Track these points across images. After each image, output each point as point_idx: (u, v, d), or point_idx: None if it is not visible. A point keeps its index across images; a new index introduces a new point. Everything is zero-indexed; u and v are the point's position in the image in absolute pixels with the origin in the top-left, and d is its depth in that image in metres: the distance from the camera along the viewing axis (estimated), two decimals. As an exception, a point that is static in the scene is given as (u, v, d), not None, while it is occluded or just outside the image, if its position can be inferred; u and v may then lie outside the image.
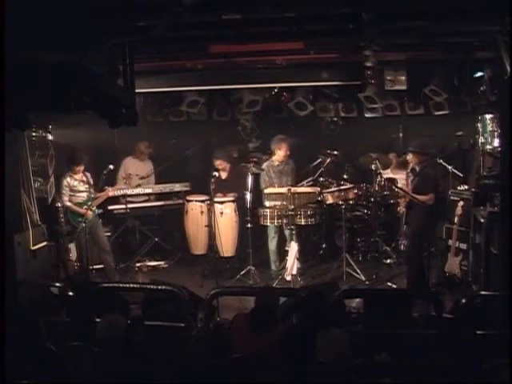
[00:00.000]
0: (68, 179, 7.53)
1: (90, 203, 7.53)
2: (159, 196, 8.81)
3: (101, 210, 8.06)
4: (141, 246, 8.73)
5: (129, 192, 8.43)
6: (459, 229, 7.05)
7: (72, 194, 7.53)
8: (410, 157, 6.94)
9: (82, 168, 7.57)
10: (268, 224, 7.76)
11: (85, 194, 7.60)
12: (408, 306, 5.27)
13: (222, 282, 7.37)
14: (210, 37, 6.20)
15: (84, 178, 7.61)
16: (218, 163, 8.25)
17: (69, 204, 7.50)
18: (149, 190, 8.66)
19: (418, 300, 5.76)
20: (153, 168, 8.89)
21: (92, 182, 7.72)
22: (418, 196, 6.68)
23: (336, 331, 3.78)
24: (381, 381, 3.57)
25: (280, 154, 7.95)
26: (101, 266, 7.83)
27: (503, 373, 3.39)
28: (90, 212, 7.48)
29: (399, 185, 7.46)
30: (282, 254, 7.82)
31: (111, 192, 8.04)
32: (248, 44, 6.55)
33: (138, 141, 8.74)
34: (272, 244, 7.95)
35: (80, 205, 7.52)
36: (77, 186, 7.56)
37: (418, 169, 6.88)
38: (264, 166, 8.11)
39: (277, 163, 8.03)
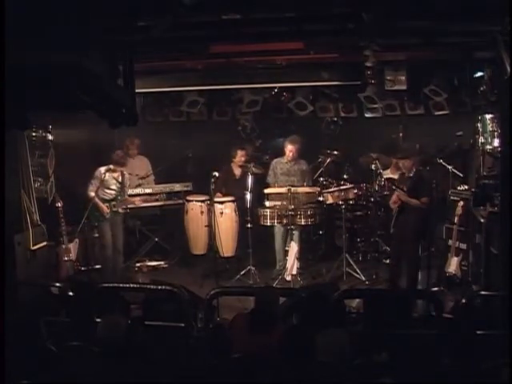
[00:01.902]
0: (102, 171, 7.47)
1: (113, 203, 7.55)
2: (159, 196, 8.79)
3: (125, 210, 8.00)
4: (141, 246, 8.74)
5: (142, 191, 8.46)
6: (459, 229, 7.05)
7: (101, 188, 7.49)
8: (401, 162, 6.97)
9: (123, 168, 7.60)
10: (268, 224, 7.77)
11: (113, 193, 7.58)
12: (408, 306, 5.27)
13: (222, 282, 7.37)
14: (210, 37, 6.20)
15: (120, 178, 7.61)
16: (238, 159, 8.25)
17: (92, 194, 7.42)
18: (149, 190, 8.64)
19: (418, 300, 5.77)
20: (148, 163, 8.86)
21: (128, 184, 7.78)
22: (412, 200, 6.70)
23: (336, 331, 3.78)
24: (381, 381, 3.57)
25: (287, 152, 7.95)
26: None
27: (503, 373, 3.39)
28: (108, 210, 7.51)
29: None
30: (284, 253, 7.81)
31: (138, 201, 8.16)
32: (248, 44, 6.55)
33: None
34: (278, 243, 7.94)
35: (104, 201, 7.52)
36: (108, 182, 7.54)
37: (408, 173, 6.87)
38: (273, 162, 8.13)
39: (285, 161, 8.03)
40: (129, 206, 8.27)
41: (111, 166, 7.49)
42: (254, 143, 9.40)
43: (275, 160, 8.16)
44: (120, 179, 7.61)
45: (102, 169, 7.48)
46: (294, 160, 7.98)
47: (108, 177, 7.49)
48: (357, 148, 8.88)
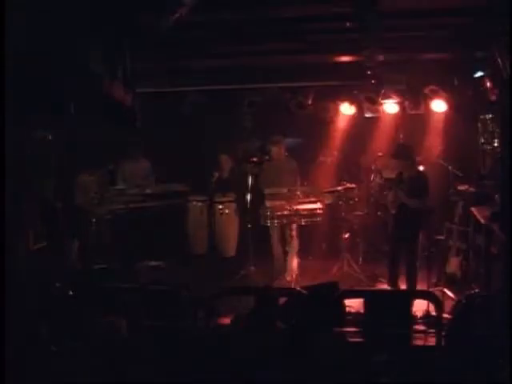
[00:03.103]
0: (83, 179, 7.58)
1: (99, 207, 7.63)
2: (160, 196, 8.77)
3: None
4: (141, 246, 8.72)
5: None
6: (459, 229, 7.05)
7: (83, 194, 7.57)
8: (401, 162, 6.96)
9: (102, 170, 7.67)
10: (268, 224, 7.77)
11: (96, 197, 7.66)
12: (408, 306, 5.27)
13: (222, 282, 7.37)
14: (209, 36, 6.22)
15: (101, 180, 7.71)
16: (224, 159, 8.27)
17: (80, 202, 7.55)
18: (149, 191, 8.62)
19: (418, 300, 5.77)
20: (150, 166, 8.85)
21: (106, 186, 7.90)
22: (411, 200, 6.69)
23: (336, 331, 3.79)
24: (381, 381, 3.58)
25: (274, 154, 7.96)
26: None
27: (503, 373, 3.39)
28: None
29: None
30: (284, 253, 7.81)
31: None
32: (248, 44, 6.57)
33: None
34: (276, 243, 7.94)
35: (92, 207, 7.61)
36: (91, 186, 7.61)
37: (408, 173, 6.86)
38: (263, 165, 8.14)
39: (274, 163, 8.04)
40: (130, 206, 8.27)
41: (89, 172, 7.59)
42: (255, 143, 9.39)
43: (266, 163, 8.16)
44: (100, 183, 7.72)
45: (83, 176, 7.57)
46: (281, 160, 7.97)
47: (90, 182, 7.56)
48: (357, 148, 8.89)
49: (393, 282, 6.96)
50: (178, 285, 5.55)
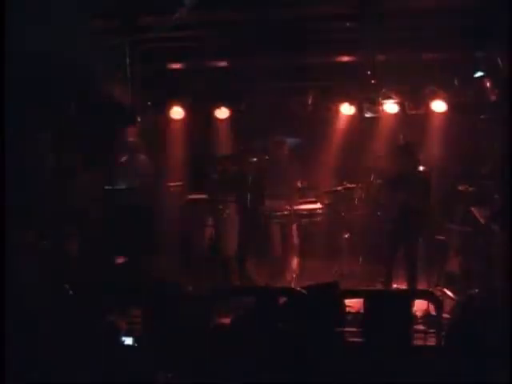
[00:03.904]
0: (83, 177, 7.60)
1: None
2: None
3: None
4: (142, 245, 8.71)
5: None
6: (459, 229, 7.05)
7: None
8: (401, 162, 6.95)
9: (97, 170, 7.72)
10: (267, 223, 7.77)
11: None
12: (408, 306, 5.27)
13: (223, 281, 7.37)
14: (210, 36, 6.23)
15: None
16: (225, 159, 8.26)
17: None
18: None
19: (418, 300, 5.77)
20: (150, 162, 8.83)
21: None
22: (412, 200, 6.69)
23: (336, 331, 3.79)
24: (380, 381, 3.58)
25: (275, 154, 7.96)
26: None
27: (503, 373, 3.39)
28: None
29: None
30: (284, 253, 7.82)
31: None
32: (248, 44, 6.58)
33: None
34: (277, 243, 7.93)
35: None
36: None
37: (408, 173, 6.86)
38: (264, 165, 8.13)
39: (274, 163, 8.03)
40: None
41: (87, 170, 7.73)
42: (255, 143, 9.39)
43: (266, 163, 8.15)
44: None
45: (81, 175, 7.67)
46: (282, 160, 7.96)
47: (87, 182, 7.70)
48: (357, 148, 8.89)
49: (390, 282, 6.96)
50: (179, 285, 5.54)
